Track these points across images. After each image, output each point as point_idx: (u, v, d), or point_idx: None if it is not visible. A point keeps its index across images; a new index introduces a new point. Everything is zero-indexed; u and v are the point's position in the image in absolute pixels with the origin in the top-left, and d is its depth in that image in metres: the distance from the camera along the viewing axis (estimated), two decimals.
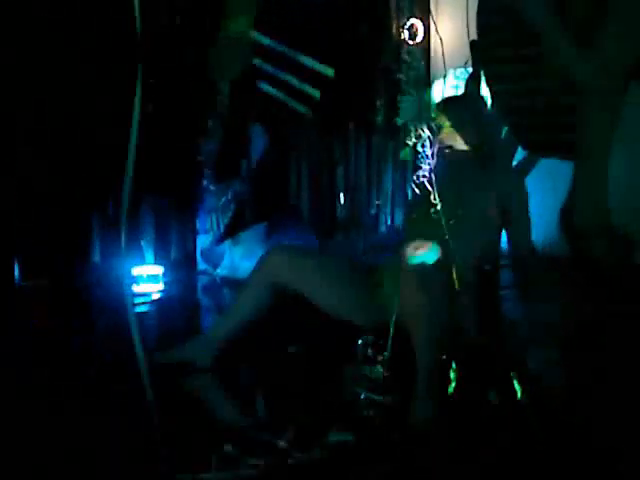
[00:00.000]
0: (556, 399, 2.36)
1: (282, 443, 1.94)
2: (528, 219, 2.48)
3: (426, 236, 2.28)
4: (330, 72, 4.60)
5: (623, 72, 2.90)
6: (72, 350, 2.89)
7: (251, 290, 2.59)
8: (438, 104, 2.65)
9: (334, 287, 2.49)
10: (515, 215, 2.44)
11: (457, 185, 2.40)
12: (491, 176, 2.49)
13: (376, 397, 2.26)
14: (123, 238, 3.59)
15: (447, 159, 2.46)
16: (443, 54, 3.14)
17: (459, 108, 2.59)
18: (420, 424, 2.07)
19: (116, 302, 3.67)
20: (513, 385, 2.37)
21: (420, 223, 2.40)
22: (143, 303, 3.74)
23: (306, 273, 2.50)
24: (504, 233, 2.53)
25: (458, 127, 2.48)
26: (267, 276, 2.54)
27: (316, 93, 4.59)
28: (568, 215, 2.91)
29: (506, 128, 3.66)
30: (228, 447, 1.89)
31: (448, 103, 2.73)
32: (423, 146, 2.24)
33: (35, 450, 1.95)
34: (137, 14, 3.11)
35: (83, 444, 1.99)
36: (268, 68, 4.51)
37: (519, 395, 2.31)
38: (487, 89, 4.14)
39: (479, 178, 2.48)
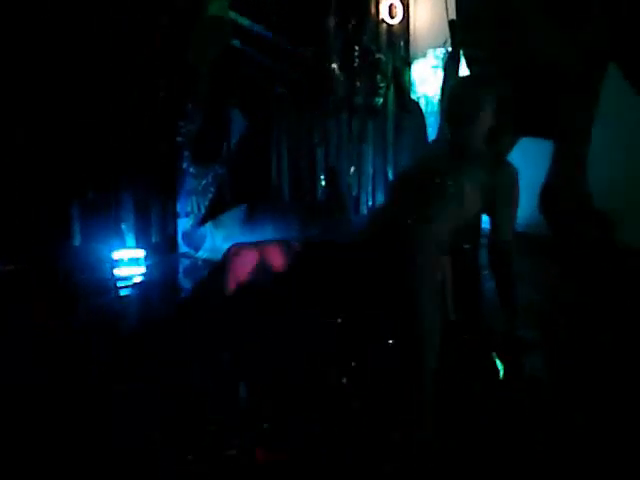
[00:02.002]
0: (538, 379, 2.39)
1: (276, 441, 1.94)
2: (513, 210, 2.36)
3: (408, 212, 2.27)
4: (309, 53, 4.58)
5: (603, 55, 2.92)
6: (57, 335, 2.88)
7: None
8: (455, 84, 2.53)
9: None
10: (500, 204, 2.32)
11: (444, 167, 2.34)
12: (482, 162, 2.36)
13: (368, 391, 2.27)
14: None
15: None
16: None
17: (483, 88, 2.44)
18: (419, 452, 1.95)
19: (98, 285, 3.69)
20: (494, 365, 2.40)
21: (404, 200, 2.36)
22: (125, 287, 3.73)
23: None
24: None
25: (478, 108, 2.36)
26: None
27: (295, 75, 4.58)
28: (548, 195, 2.93)
29: None
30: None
31: (470, 82, 2.61)
32: None
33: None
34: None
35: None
36: (247, 50, 4.47)
37: (500, 375, 2.34)
38: (467, 69, 4.14)
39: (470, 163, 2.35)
